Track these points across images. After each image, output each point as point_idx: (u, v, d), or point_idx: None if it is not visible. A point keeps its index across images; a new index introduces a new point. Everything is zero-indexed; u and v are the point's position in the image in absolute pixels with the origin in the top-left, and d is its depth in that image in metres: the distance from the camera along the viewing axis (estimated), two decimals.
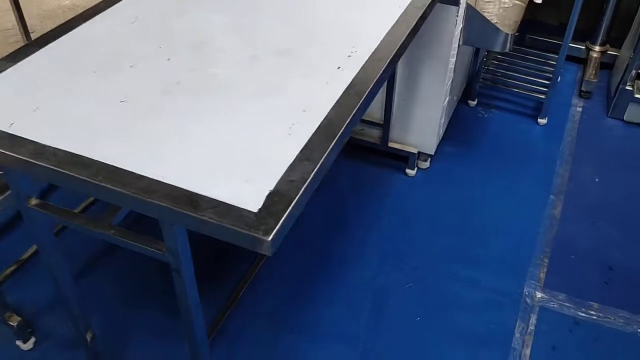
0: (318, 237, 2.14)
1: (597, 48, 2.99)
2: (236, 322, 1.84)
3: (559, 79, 2.63)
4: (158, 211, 0.92)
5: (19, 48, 1.25)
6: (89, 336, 1.51)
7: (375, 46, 1.31)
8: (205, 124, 1.08)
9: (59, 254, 1.26)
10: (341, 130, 1.07)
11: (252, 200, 0.92)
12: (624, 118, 2.75)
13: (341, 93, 1.16)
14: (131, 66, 1.22)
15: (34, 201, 1.13)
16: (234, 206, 0.91)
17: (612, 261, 2.10)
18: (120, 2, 1.44)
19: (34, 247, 1.95)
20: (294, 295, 1.94)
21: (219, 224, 0.88)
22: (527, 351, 1.81)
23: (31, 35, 2.18)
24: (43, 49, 1.25)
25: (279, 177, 0.96)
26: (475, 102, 2.82)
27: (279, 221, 0.89)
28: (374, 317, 1.89)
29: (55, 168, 0.96)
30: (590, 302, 1.96)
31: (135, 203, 0.93)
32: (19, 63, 1.21)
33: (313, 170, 0.98)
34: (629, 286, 2.02)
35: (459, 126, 2.68)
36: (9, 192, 1.74)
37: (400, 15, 1.44)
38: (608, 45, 3.01)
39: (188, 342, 1.23)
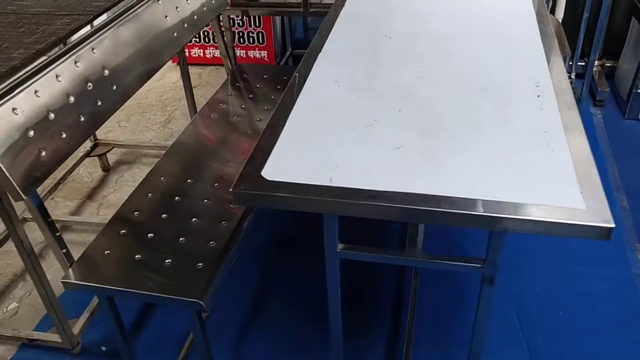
0: None
1: (596, 62, 3.42)
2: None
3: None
4: (504, 224, 1.11)
5: (268, 125, 1.41)
6: None
7: (549, 75, 1.58)
8: (477, 152, 1.28)
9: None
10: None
11: (574, 201, 1.14)
12: None
13: (559, 113, 1.41)
14: (376, 120, 1.42)
15: (340, 246, 1.29)
16: (567, 208, 1.12)
17: None
18: (312, 73, 1.64)
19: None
20: (444, 316, 2.12)
21: (570, 222, 1.09)
22: None
23: None
24: (289, 120, 1.43)
25: (576, 180, 1.19)
26: None
27: (607, 211, 1.11)
28: (524, 320, 2.10)
29: (400, 205, 1.14)
30: None
31: (484, 221, 1.12)
32: (280, 137, 1.37)
33: (596, 174, 1.21)
34: None
35: None
36: None
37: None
38: (604, 59, 3.45)
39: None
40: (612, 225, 1.09)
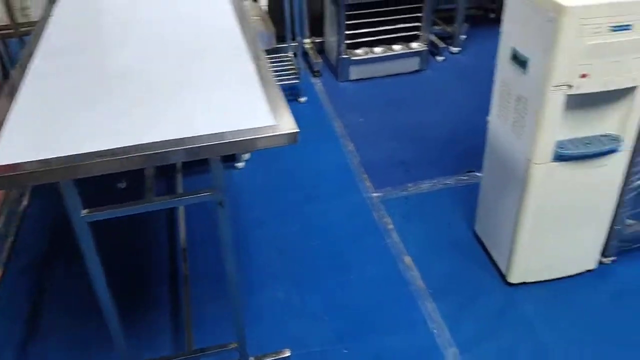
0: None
1: (307, 41, 3.94)
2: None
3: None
4: (223, 148, 1.36)
5: None
6: None
7: (243, 39, 1.89)
8: (192, 102, 1.52)
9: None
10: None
11: (269, 121, 1.43)
12: (350, 78, 3.74)
13: (253, 64, 1.72)
14: (96, 97, 1.58)
15: (85, 211, 1.43)
16: (261, 127, 1.41)
17: (401, 158, 3.00)
18: (33, 66, 1.73)
19: None
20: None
21: (269, 135, 1.38)
22: (391, 226, 2.56)
23: None
24: (12, 112, 1.52)
25: (269, 109, 1.49)
26: None
27: (293, 122, 1.43)
28: (286, 257, 2.43)
29: (130, 155, 1.33)
30: (406, 184, 2.81)
31: (207, 150, 1.35)
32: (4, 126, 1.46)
33: (283, 103, 1.53)
34: (419, 167, 2.93)
35: None
36: None
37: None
38: (314, 37, 3.99)
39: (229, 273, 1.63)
40: (297, 130, 1.40)
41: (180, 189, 2.70)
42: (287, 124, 1.42)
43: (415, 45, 3.75)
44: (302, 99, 3.54)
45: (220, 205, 1.50)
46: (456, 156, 2.98)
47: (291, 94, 3.60)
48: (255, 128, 1.41)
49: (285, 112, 1.47)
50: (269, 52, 3.55)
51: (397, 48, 3.72)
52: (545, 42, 1.74)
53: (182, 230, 2.51)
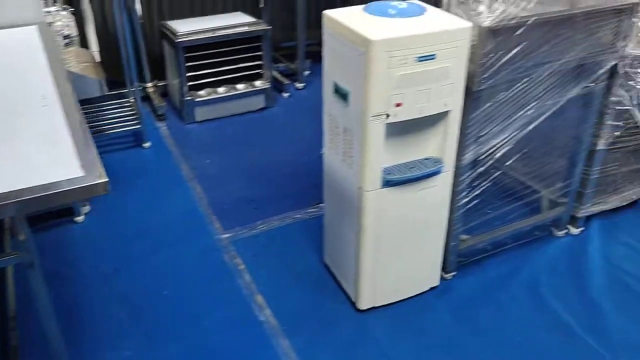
0: None
1: (149, 84, 3.85)
2: None
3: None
4: (30, 205, 1.26)
5: None
6: None
7: (56, 90, 1.78)
8: None
9: None
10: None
11: (77, 173, 1.35)
12: (195, 120, 3.69)
13: (62, 115, 1.62)
14: None
15: None
16: (73, 178, 1.33)
17: (250, 196, 2.99)
18: None
19: None
20: None
21: (69, 189, 1.30)
22: (242, 266, 2.52)
23: None
24: None
25: (78, 161, 1.41)
26: None
27: (102, 173, 1.36)
28: (136, 313, 2.30)
29: None
30: (256, 222, 2.79)
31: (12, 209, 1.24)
32: None
33: (94, 154, 1.45)
34: (269, 204, 2.93)
35: None
36: None
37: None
38: (156, 80, 3.90)
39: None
40: (106, 179, 1.33)
41: (8, 249, 2.48)
42: (96, 176, 1.35)
43: (258, 83, 3.79)
44: (146, 144, 3.43)
45: (30, 267, 1.38)
46: (305, 189, 3.02)
47: (135, 139, 3.48)
48: (57, 182, 1.32)
49: (95, 162, 1.40)
50: (107, 98, 3.44)
51: (240, 87, 3.74)
52: (359, 75, 1.81)
53: (11, 295, 2.29)
